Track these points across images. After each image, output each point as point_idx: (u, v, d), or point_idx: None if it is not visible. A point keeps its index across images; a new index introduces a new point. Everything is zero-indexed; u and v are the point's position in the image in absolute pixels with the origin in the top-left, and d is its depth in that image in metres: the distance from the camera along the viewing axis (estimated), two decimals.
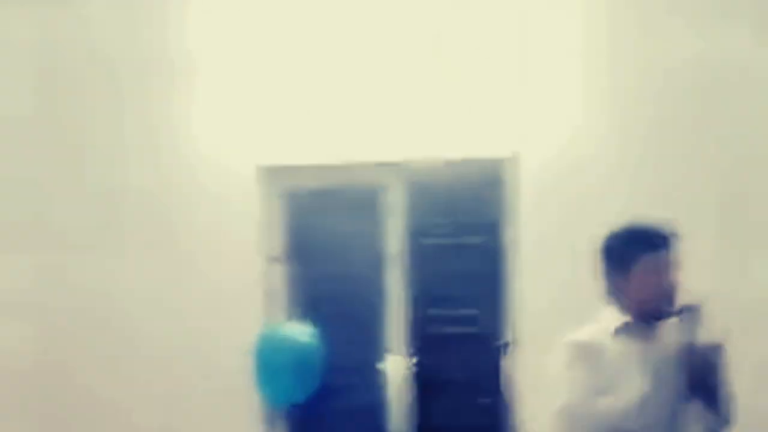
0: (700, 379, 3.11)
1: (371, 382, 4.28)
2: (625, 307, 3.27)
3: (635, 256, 3.22)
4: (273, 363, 4.04)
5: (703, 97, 4.13)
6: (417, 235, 4.36)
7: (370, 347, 4.31)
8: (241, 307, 4.29)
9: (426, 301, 4.32)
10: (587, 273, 3.78)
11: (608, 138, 4.18)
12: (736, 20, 4.12)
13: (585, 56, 4.20)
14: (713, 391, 3.13)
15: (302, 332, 4.10)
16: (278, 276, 4.41)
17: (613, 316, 3.27)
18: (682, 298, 3.22)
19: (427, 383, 4.27)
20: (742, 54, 4.10)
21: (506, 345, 4.19)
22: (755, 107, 4.12)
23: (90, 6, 4.49)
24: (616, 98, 4.18)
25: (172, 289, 4.37)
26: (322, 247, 4.39)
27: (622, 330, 3.23)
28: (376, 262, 4.37)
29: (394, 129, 4.30)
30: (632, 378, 3.14)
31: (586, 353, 3.17)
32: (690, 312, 3.19)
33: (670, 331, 3.31)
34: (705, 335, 3.15)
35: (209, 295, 4.32)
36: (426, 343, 4.29)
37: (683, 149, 4.14)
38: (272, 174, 4.41)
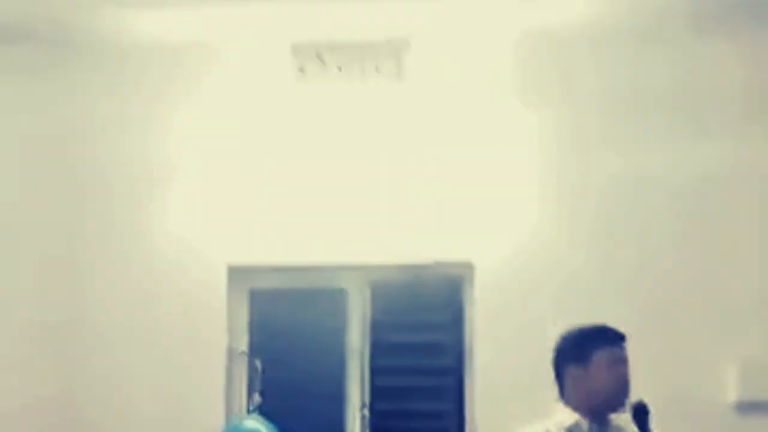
0: None
1: None
2: (578, 404, 3.44)
3: (593, 350, 3.39)
4: None
5: (644, 207, 4.43)
6: (379, 333, 4.54)
7: None
8: (204, 400, 4.41)
9: (386, 396, 4.46)
10: (541, 373, 3.98)
11: (559, 244, 4.45)
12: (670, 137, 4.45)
13: (538, 170, 4.50)
14: None
15: (262, 427, 4.20)
16: (243, 371, 4.54)
17: (565, 414, 3.44)
18: (631, 396, 3.42)
19: None
20: (669, 168, 4.42)
21: None
22: (690, 215, 4.42)
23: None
24: (565, 208, 4.48)
25: (139, 380, 4.46)
26: (286, 344, 4.54)
27: (575, 427, 3.40)
28: (338, 359, 4.53)
29: (358, 234, 4.53)
30: None
31: None
32: (640, 409, 3.38)
33: (620, 429, 3.49)
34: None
35: (174, 389, 4.43)
36: None
37: (626, 256, 4.40)
38: (241, 273, 4.59)
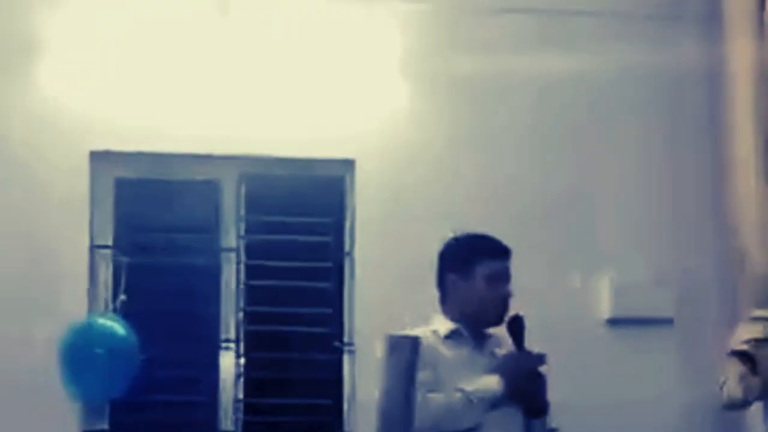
0: (523, 385, 3.23)
1: (202, 377, 4.24)
2: (457, 314, 3.37)
3: (477, 263, 3.34)
4: (82, 357, 3.95)
5: (529, 113, 4.37)
6: (254, 230, 4.35)
7: (203, 342, 4.26)
8: (65, 297, 4.16)
9: (262, 298, 4.29)
10: (423, 277, 3.89)
11: (440, 145, 4.35)
12: None
13: (420, 67, 4.36)
14: (535, 398, 3.26)
15: (114, 325, 4.04)
16: (106, 266, 4.30)
17: (444, 322, 3.37)
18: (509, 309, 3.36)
19: (259, 381, 4.26)
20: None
21: (343, 345, 4.22)
22: (568, 122, 4.36)
23: None
24: (447, 107, 4.37)
25: None
26: (154, 239, 4.31)
27: (453, 335, 3.34)
28: (211, 256, 4.33)
29: (234, 123, 4.31)
30: (462, 379, 3.23)
31: (414, 348, 3.25)
32: (516, 322, 3.34)
33: (497, 340, 3.44)
34: (528, 345, 3.29)
35: (32, 283, 4.16)
36: (260, 340, 4.27)
37: (506, 164, 4.32)
38: (105, 159, 4.31)
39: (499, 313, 3.34)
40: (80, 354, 3.94)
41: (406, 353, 3.19)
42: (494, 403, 3.20)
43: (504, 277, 3.37)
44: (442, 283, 3.42)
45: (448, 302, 3.40)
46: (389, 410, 3.15)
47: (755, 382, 3.84)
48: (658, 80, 4.34)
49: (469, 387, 3.20)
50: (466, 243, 3.41)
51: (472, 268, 3.34)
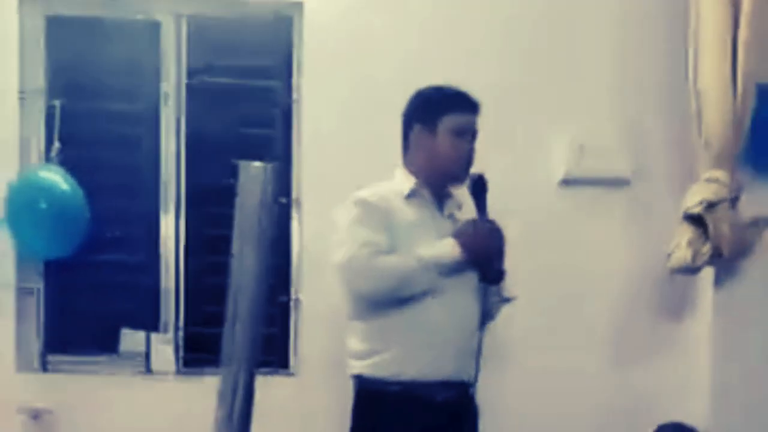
0: (481, 252, 3.28)
1: (142, 235, 4.21)
2: (419, 169, 3.37)
3: (443, 114, 3.32)
4: (27, 213, 3.90)
5: None
6: (195, 74, 4.24)
7: (143, 198, 4.20)
8: None
9: (203, 148, 4.22)
10: (376, 132, 3.86)
11: None
12: None
13: None
14: (491, 264, 3.31)
15: (60, 179, 3.94)
16: (38, 112, 4.19)
17: (405, 179, 3.37)
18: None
19: (198, 239, 4.23)
20: None
21: (290, 202, 4.20)
22: None
23: None
24: None
25: None
26: (90, 83, 4.19)
27: (413, 194, 3.34)
28: (150, 103, 4.23)
29: None
30: (420, 241, 3.26)
31: (375, 210, 3.27)
32: (479, 182, 3.35)
33: (457, 201, 3.46)
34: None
35: None
36: (203, 193, 4.21)
37: (473, 16, 4.21)
38: None
39: (463, 170, 3.34)
40: (23, 209, 3.87)
41: (371, 217, 3.22)
42: (450, 268, 3.25)
43: (470, 132, 3.36)
44: (406, 135, 3.41)
45: (410, 155, 3.39)
46: (355, 270, 3.20)
47: (705, 247, 3.96)
48: None
49: (424, 251, 3.24)
50: (434, 95, 3.39)
51: (439, 119, 3.33)
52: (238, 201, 2.75)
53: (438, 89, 3.38)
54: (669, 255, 4.00)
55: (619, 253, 4.18)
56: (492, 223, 3.31)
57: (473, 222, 3.30)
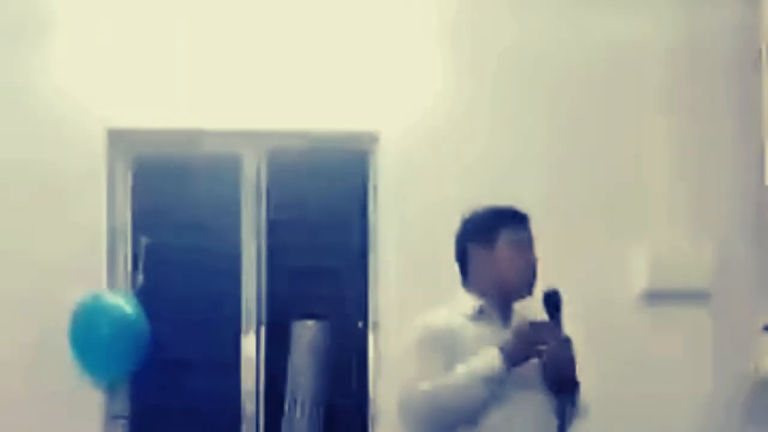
0: (555, 365, 3.32)
1: (224, 360, 4.39)
2: (482, 289, 3.46)
3: (499, 231, 3.42)
4: (90, 334, 4.10)
5: (555, 82, 4.44)
6: (277, 208, 4.49)
7: (224, 324, 4.42)
8: (82, 279, 4.28)
9: (285, 276, 4.44)
10: (448, 254, 3.99)
11: (466, 118, 4.44)
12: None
13: (443, 40, 4.46)
14: (567, 379, 3.35)
15: (124, 302, 4.18)
16: (124, 247, 4.47)
17: (468, 300, 3.46)
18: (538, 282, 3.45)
19: (282, 363, 4.35)
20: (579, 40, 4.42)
21: (366, 325, 4.35)
22: (600, 90, 4.45)
23: None
24: (471, 80, 4.46)
25: (7, 253, 4.33)
26: (174, 217, 4.47)
27: (478, 313, 3.42)
28: (232, 235, 4.48)
29: (255, 97, 4.44)
30: None
31: (440, 336, 3.35)
32: (553, 296, 3.40)
33: (523, 318, 3.52)
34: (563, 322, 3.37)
35: (47, 265, 4.29)
36: (283, 322, 4.39)
37: (536, 133, 4.42)
38: (123, 137, 4.48)
39: (527, 282, 3.41)
40: (85, 331, 4.08)
41: (437, 343, 3.30)
42: (496, 378, 3.22)
43: (527, 242, 3.44)
44: (462, 258, 3.51)
45: (470, 277, 3.48)
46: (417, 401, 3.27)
47: None
48: (688, 42, 4.43)
49: (467, 364, 3.23)
50: (486, 213, 3.50)
51: (494, 235, 3.44)
52: (291, 358, 2.83)
53: (489, 208, 3.51)
54: (755, 367, 3.98)
55: (702, 368, 4.20)
56: (558, 332, 3.35)
57: (517, 330, 3.36)
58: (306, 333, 3.04)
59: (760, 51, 4.20)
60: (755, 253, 4.17)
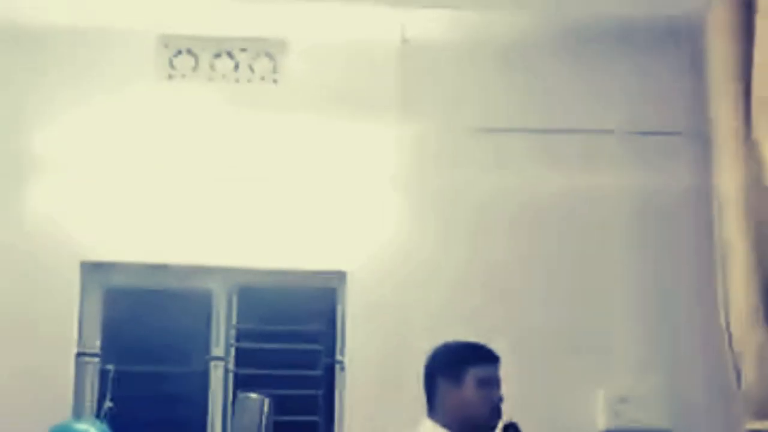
0: None
1: None
2: (447, 420, 3.56)
3: (467, 369, 3.55)
4: None
5: (519, 225, 4.70)
6: (245, 340, 4.63)
7: None
8: (50, 405, 4.36)
9: None
10: (413, 387, 4.10)
11: (433, 259, 4.65)
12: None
13: (408, 182, 4.70)
14: None
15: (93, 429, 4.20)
16: (93, 373, 4.55)
17: (433, 429, 3.56)
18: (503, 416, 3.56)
19: None
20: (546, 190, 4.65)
21: None
22: (562, 236, 4.70)
23: None
24: (437, 222, 4.69)
25: None
26: (144, 348, 4.58)
27: None
28: (201, 366, 4.60)
29: (225, 234, 4.64)
30: None
31: None
32: (510, 429, 3.51)
33: None
34: None
35: (17, 390, 4.38)
36: None
37: (501, 277, 4.64)
38: (95, 270, 4.63)
39: (492, 419, 3.55)
40: None
41: None
42: None
43: (494, 382, 3.57)
44: (430, 390, 3.64)
45: (437, 408, 3.61)
46: None
47: None
48: (649, 195, 4.68)
49: None
50: (456, 349, 3.64)
51: (463, 373, 3.57)
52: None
53: (459, 344, 3.65)
54: None
55: None
56: None
57: None
58: None
59: (712, 205, 4.46)
60: (716, 393, 4.31)
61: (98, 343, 4.59)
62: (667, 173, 4.63)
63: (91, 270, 4.60)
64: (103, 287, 4.67)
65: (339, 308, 4.66)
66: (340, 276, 4.64)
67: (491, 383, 3.57)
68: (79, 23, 4.60)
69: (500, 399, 3.58)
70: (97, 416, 4.36)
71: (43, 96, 4.63)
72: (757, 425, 4.10)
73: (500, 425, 3.53)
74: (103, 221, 4.62)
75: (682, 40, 4.64)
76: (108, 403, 4.37)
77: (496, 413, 3.56)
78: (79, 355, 4.52)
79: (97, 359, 4.55)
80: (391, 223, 4.69)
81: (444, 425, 3.56)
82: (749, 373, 4.15)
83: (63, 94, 4.64)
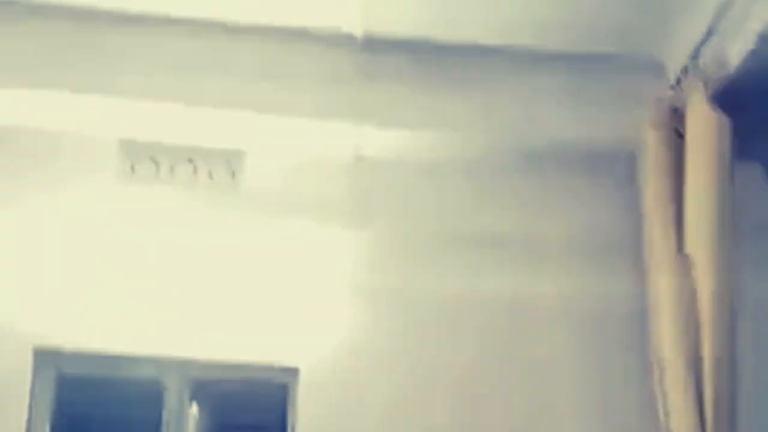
0: None
1: None
2: None
3: None
4: None
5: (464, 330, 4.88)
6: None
7: None
8: None
9: None
10: None
11: (382, 358, 4.79)
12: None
13: (363, 284, 4.85)
14: None
15: None
16: None
17: None
18: None
19: None
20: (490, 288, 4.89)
21: None
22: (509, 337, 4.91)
23: None
24: (389, 323, 4.84)
25: None
26: None
27: None
28: None
29: (180, 328, 4.74)
30: None
31: None
32: None
33: None
34: None
35: None
36: None
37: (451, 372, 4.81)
38: (48, 357, 4.67)
39: None
40: None
41: None
42: None
43: None
44: None
45: None
46: None
47: None
48: (591, 305, 4.91)
49: None
50: None
51: None
52: None
53: None
54: None
55: None
56: None
57: None
58: None
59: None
60: None
61: (48, 429, 4.62)
62: (606, 284, 4.93)
63: (44, 356, 4.64)
64: (56, 373, 4.70)
65: (290, 405, 4.77)
66: (293, 372, 4.75)
67: None
68: (42, 125, 4.74)
69: None
70: None
71: (3, 190, 4.73)
72: None
73: None
74: (59, 309, 4.67)
75: (617, 165, 4.97)
76: None
77: None
78: None
79: None
80: (345, 323, 4.82)
81: None
82: None
83: (25, 189, 4.73)
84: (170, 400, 4.74)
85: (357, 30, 4.65)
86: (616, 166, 4.87)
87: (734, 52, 4.29)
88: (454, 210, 4.99)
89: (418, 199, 4.98)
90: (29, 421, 4.57)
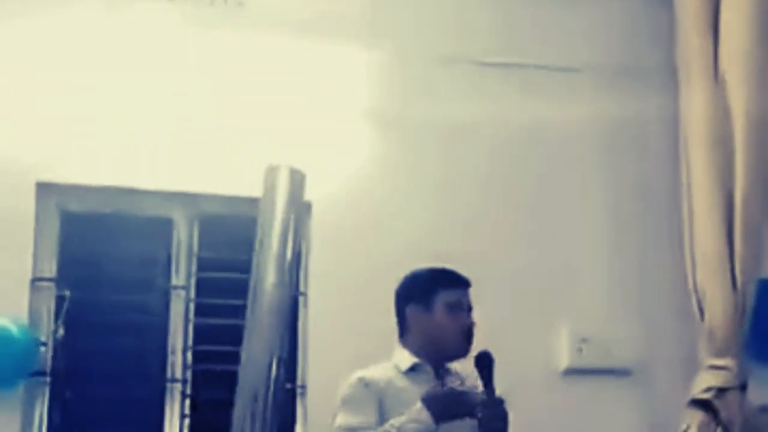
0: (489, 426, 3.41)
1: (148, 417, 4.42)
2: (418, 347, 3.58)
3: (437, 293, 3.57)
4: None
5: (483, 151, 4.74)
6: (206, 269, 4.59)
7: (148, 381, 4.46)
8: None
9: (212, 337, 4.49)
10: (379, 316, 4.12)
11: (398, 185, 4.68)
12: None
13: (375, 110, 4.70)
14: None
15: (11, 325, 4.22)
16: (48, 300, 4.48)
17: (404, 356, 3.57)
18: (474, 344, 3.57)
19: (207, 423, 4.43)
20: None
21: (295, 386, 4.44)
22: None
23: None
24: (402, 149, 4.71)
25: None
26: (101, 274, 4.51)
27: (413, 370, 3.54)
28: (160, 294, 4.56)
29: (187, 161, 4.59)
30: None
31: (373, 388, 3.45)
32: (484, 358, 3.51)
33: (458, 375, 3.63)
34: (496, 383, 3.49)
35: None
36: (208, 379, 4.48)
37: (467, 203, 4.69)
38: (51, 191, 4.54)
39: (463, 344, 3.57)
40: None
41: (369, 395, 3.42)
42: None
43: (464, 306, 3.61)
44: (401, 316, 3.65)
45: (408, 335, 3.63)
46: None
47: (717, 430, 4.12)
48: (619, 130, 4.75)
49: (396, 419, 3.37)
50: (425, 274, 3.68)
51: (432, 297, 3.59)
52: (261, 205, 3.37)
53: (428, 270, 3.67)
54: None
55: None
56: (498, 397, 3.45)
57: (442, 386, 3.48)
58: None
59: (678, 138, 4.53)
60: (677, 330, 4.40)
61: (54, 267, 4.50)
62: (635, 106, 4.68)
63: (48, 191, 4.50)
64: (59, 210, 4.57)
65: (303, 239, 4.61)
66: (305, 205, 4.58)
67: (461, 308, 3.61)
68: None
69: (471, 324, 3.60)
70: (50, 343, 4.35)
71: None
72: (720, 362, 4.20)
73: (474, 355, 3.54)
74: (61, 141, 4.51)
75: None
76: (60, 331, 4.35)
77: (467, 338, 3.58)
78: (33, 279, 4.43)
79: (52, 284, 4.47)
80: (358, 152, 4.67)
81: (415, 352, 3.59)
82: (712, 313, 4.24)
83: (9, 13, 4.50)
84: (178, 236, 4.63)
85: None
86: None
87: None
88: (473, 30, 4.78)
89: (436, 18, 4.78)
90: (35, 256, 4.45)
